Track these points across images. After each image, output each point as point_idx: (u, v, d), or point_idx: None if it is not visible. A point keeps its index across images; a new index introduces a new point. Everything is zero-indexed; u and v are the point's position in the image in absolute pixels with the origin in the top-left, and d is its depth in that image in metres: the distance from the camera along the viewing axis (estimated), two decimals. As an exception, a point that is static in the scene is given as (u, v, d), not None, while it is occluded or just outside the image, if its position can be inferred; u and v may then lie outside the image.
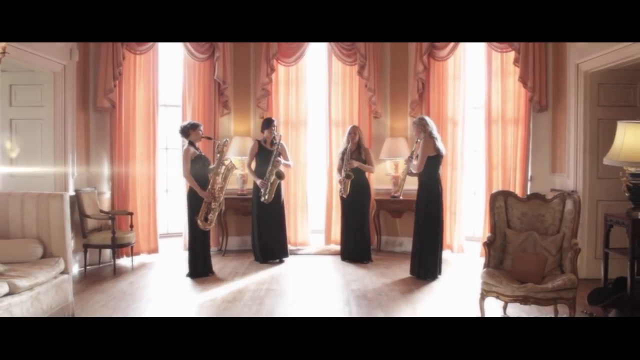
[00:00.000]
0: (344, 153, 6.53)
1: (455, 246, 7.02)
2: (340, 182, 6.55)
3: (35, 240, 4.15)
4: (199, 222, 5.71)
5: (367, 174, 6.68)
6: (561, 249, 4.14)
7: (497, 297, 3.99)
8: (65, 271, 4.22)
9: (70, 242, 4.41)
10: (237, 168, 6.50)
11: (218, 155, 5.81)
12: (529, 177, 6.62)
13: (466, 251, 6.97)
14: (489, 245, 4.29)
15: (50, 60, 5.77)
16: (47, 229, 4.19)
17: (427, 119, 5.87)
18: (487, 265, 4.24)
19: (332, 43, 7.28)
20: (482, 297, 4.09)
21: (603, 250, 4.65)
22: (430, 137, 5.67)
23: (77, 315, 4.37)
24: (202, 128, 5.94)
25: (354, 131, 6.55)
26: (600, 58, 5.46)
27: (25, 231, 4.19)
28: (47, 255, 4.18)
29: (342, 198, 6.61)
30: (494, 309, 4.49)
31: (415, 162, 5.76)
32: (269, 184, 6.31)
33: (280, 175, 6.41)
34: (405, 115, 7.33)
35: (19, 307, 3.52)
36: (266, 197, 6.33)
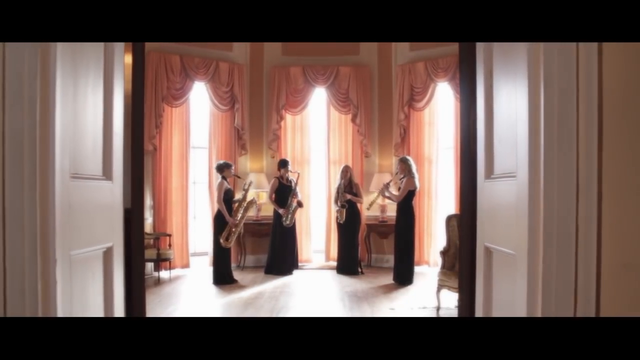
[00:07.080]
0: (338, 188, 8.11)
1: (432, 261, 8.58)
2: (337, 211, 8.12)
3: (115, 250, 5.73)
4: (221, 240, 7.30)
5: (358, 204, 8.21)
6: (496, 255, 5.70)
7: (448, 289, 5.55)
8: (135, 273, 5.79)
9: (138, 252, 5.98)
10: (256, 203, 8.11)
11: (244, 192, 7.47)
12: (489, 205, 8.21)
13: (440, 265, 8.50)
14: (444, 253, 5.86)
15: (110, 114, 7.44)
16: (123, 242, 5.77)
17: (410, 159, 7.41)
18: (443, 267, 5.80)
19: (330, 97, 8.98)
20: (438, 290, 5.65)
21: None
22: (411, 176, 7.24)
23: (142, 306, 5.92)
24: (233, 168, 7.61)
25: (345, 170, 8.15)
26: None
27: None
28: (123, 261, 5.75)
29: (338, 223, 8.18)
30: (450, 300, 5.99)
31: (392, 190, 7.36)
32: (291, 210, 7.96)
33: (300, 204, 8.15)
34: (391, 154, 8.98)
35: (114, 294, 5.09)
36: (288, 221, 7.98)
